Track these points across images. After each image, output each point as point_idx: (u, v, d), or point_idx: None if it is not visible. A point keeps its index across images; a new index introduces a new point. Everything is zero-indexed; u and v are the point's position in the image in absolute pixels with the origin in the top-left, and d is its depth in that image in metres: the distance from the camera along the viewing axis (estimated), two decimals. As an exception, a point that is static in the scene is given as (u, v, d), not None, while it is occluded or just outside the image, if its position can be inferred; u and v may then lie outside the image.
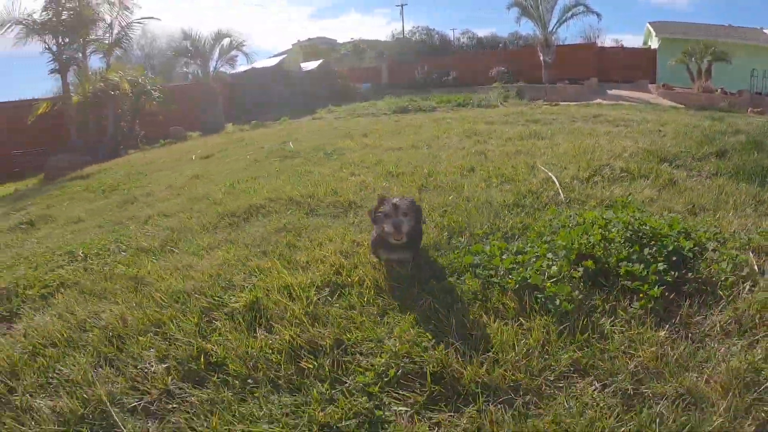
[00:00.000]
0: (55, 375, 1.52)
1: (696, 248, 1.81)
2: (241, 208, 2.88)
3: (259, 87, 19.98)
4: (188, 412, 1.33)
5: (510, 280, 1.73)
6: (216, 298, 1.83)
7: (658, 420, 1.16)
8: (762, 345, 1.36)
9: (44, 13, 12.41)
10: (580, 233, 1.88)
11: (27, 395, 1.45)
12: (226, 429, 1.27)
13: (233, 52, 19.82)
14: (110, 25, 14.44)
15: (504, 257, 1.86)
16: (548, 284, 1.67)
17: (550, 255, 1.84)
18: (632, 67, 18.74)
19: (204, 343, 1.58)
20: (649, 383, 1.28)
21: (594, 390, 1.28)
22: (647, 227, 1.89)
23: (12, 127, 12.48)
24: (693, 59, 15.29)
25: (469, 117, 7.75)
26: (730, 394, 1.20)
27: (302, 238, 2.38)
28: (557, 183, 2.77)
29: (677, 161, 3.22)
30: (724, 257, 1.74)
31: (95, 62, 14.85)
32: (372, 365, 1.43)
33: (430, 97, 14.50)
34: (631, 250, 1.77)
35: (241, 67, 21.10)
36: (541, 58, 16.93)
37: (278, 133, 8.04)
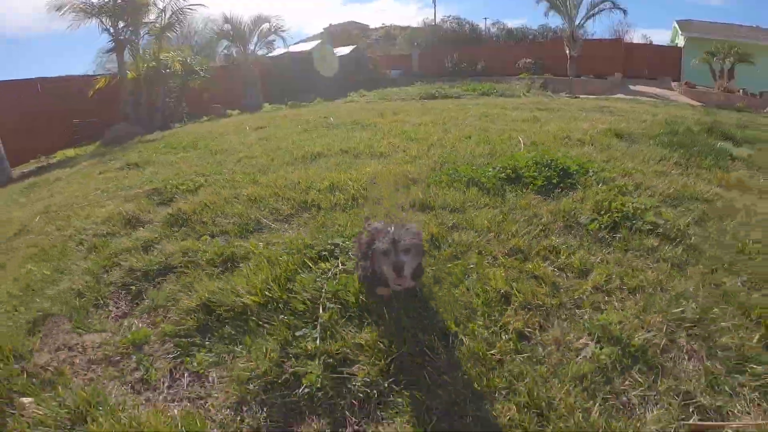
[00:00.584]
0: (223, 215, 2.85)
1: (581, 170, 3.07)
2: (307, 155, 4.17)
3: (293, 71, 21.35)
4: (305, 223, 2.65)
5: (466, 177, 3.03)
6: (308, 184, 3.14)
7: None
8: (587, 201, 2.61)
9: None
10: (509, 160, 3.19)
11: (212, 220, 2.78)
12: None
13: (271, 36, 21.17)
14: (163, 10, 15.93)
15: (469, 169, 3.15)
16: (485, 179, 2.97)
17: (491, 169, 3.13)
18: (657, 65, 19.26)
19: (305, 196, 2.92)
20: (528, 210, 2.55)
21: (498, 212, 2.55)
22: (550, 159, 3.17)
23: (73, 99, 14.07)
24: (716, 59, 15.81)
25: (489, 103, 8.85)
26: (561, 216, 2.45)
27: (351, 167, 3.65)
28: (522, 143, 3.95)
29: (630, 137, 4.32)
30: (596, 174, 2.96)
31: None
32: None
33: (457, 85, 15.50)
34: (534, 167, 3.06)
35: (278, 50, 22.44)
36: (567, 51, 17.66)
37: (317, 112, 9.30)
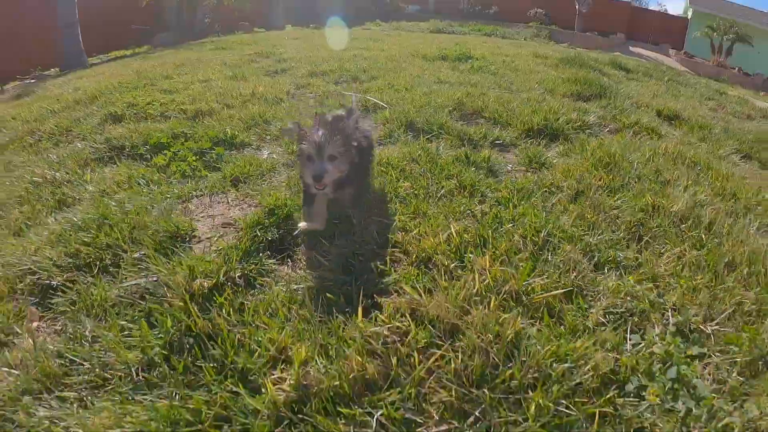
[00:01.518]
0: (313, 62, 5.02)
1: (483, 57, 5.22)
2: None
3: (315, -4, 22.51)
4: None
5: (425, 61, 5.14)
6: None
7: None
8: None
9: None
10: (446, 51, 5.28)
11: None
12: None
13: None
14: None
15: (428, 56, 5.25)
16: (430, 59, 5.11)
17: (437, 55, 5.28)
18: (662, 32, 20.68)
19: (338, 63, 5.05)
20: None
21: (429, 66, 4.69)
22: (467, 53, 5.32)
23: (126, 7, 15.57)
24: (716, 34, 17.24)
25: (485, 40, 10.72)
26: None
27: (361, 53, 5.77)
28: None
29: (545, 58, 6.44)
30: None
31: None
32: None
33: (466, 24, 17.08)
34: (455, 54, 5.28)
35: (300, -26, 23.45)
36: (577, 6, 18.98)
37: (337, 33, 11.16)
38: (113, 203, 2.37)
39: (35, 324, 1.72)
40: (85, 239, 2.08)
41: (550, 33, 19.66)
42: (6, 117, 4.47)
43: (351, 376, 1.36)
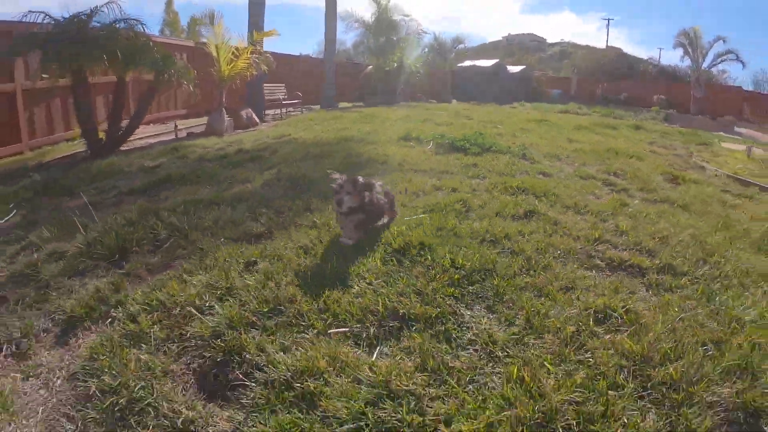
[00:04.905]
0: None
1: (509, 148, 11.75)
2: (490, 120, 13.27)
3: (476, 80, 30.80)
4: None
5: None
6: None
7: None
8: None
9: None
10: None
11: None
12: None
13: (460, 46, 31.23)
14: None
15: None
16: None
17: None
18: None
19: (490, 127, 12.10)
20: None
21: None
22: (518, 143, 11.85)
23: (353, 80, 25.22)
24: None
25: (596, 120, 16.98)
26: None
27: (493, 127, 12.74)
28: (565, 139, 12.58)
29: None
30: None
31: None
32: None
33: (592, 108, 23.32)
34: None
35: (467, 62, 32.24)
36: (692, 92, 24.09)
37: (497, 110, 18.41)
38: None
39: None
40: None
41: (667, 116, 24.79)
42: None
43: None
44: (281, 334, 2.29)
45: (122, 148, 8.51)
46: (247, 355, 2.14)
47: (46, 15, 7.65)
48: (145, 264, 3.14)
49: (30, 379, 2.25)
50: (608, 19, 63.35)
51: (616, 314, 2.37)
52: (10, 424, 1.96)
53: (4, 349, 2.43)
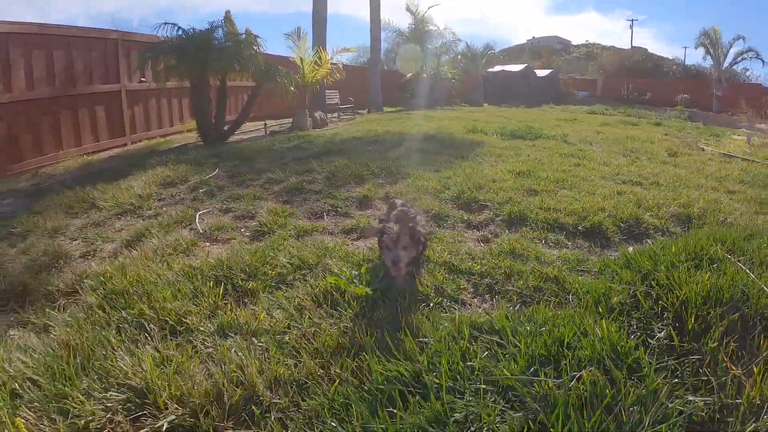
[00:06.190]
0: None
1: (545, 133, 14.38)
2: (525, 119, 15.91)
3: (505, 83, 33.43)
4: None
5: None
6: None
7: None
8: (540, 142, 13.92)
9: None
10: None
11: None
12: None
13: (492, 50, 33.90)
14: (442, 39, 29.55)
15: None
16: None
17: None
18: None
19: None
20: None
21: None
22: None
23: (395, 85, 28.13)
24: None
25: (620, 119, 19.41)
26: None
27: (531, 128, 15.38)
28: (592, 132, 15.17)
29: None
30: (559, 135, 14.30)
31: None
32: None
33: (617, 108, 25.69)
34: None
35: (496, 67, 34.93)
36: (714, 91, 26.24)
37: (528, 112, 21.01)
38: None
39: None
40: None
41: (689, 114, 26.93)
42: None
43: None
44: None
45: (227, 141, 10.16)
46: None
47: (178, 27, 9.34)
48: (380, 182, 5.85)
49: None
50: (632, 20, 65.75)
51: (626, 191, 5.12)
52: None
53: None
